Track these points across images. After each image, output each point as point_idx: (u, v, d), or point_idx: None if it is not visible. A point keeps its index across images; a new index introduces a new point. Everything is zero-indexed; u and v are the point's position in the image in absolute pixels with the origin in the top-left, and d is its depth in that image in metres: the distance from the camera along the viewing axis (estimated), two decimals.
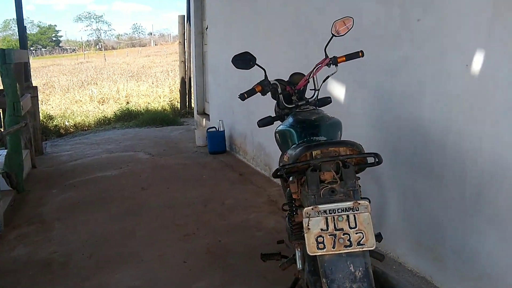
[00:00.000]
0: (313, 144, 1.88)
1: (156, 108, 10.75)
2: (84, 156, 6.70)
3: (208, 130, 6.45)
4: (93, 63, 32.65)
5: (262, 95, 2.71)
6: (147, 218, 4.06)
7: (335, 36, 2.72)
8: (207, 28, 7.47)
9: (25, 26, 7.66)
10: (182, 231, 3.74)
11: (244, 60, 2.61)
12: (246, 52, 2.62)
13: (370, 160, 1.90)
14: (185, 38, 10.21)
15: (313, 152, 1.87)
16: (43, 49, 70.35)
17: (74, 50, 68.67)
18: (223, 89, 6.65)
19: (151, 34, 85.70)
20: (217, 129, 6.42)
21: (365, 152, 1.89)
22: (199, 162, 5.94)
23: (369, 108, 3.23)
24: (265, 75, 2.67)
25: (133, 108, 10.64)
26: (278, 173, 1.93)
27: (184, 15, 10.02)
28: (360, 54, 2.70)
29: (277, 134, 2.62)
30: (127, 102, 11.43)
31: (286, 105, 2.71)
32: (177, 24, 10.27)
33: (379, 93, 3.11)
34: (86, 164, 6.20)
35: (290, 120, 2.54)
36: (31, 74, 7.76)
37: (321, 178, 1.81)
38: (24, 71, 6.63)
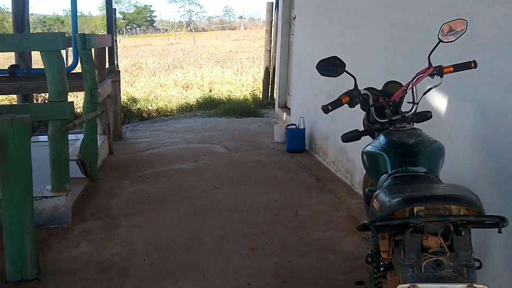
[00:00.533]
0: (415, 196, 1.43)
1: (238, 97, 10.54)
2: (162, 145, 6.60)
3: (288, 127, 6.08)
4: (183, 44, 33.29)
5: (349, 107, 2.30)
6: (214, 223, 3.80)
7: (442, 42, 2.24)
8: (294, 17, 7.06)
9: (114, 9, 7.69)
10: (249, 243, 3.42)
11: (331, 66, 2.22)
12: (334, 57, 2.22)
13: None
14: (272, 26, 9.87)
15: (414, 208, 1.43)
16: (138, 28, 73.25)
17: (166, 30, 70.80)
18: (306, 84, 6.23)
19: (241, 17, 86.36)
20: (297, 126, 6.03)
21: (486, 214, 1.41)
22: (275, 161, 5.60)
23: (474, 126, 2.70)
24: (355, 84, 2.26)
25: (215, 96, 10.51)
26: (367, 229, 1.52)
27: (272, 2, 9.66)
28: (473, 64, 2.22)
29: (364, 156, 2.20)
30: (210, 90, 11.34)
31: (377, 119, 2.28)
32: (265, 11, 9.94)
33: (488, 108, 2.57)
34: (162, 154, 6.08)
35: (382, 140, 2.11)
36: (122, 54, 7.80)
37: (423, 244, 1.37)
38: (109, 55, 6.63)
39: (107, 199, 4.44)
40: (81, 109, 5.19)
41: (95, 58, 5.75)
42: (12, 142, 2.82)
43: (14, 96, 8.50)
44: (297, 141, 5.97)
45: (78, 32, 4.75)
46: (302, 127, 5.98)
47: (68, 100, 3.78)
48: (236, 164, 5.55)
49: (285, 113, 7.41)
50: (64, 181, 3.89)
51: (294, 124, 6.10)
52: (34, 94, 6.52)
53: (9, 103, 9.46)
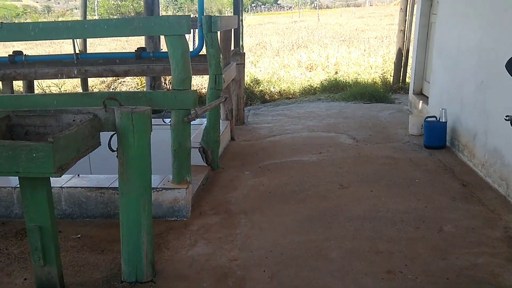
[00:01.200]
0: None
1: (366, 80, 9.85)
2: (284, 132, 6.26)
3: (427, 119, 5.37)
4: (306, 22, 32.72)
5: None
6: (341, 233, 3.35)
7: None
8: None
9: None
10: (385, 263, 2.93)
11: None
12: None
13: None
14: (408, 4, 8.98)
15: None
16: (262, 6, 73.84)
17: (290, 7, 70.47)
18: (450, 73, 5.45)
19: None
20: (438, 119, 5.30)
21: None
22: (411, 158, 4.96)
23: None
24: None
25: (341, 79, 9.92)
26: None
27: None
28: None
29: None
30: (336, 72, 10.76)
31: None
32: None
33: None
34: (284, 143, 5.74)
35: None
36: (246, 32, 7.56)
37: None
38: (234, 36, 6.40)
39: (227, 191, 4.20)
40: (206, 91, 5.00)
41: (221, 41, 5.53)
42: (132, 136, 2.62)
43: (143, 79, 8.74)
44: (438, 135, 5.25)
45: (205, 14, 4.51)
46: (443, 120, 5.25)
47: (192, 88, 3.55)
48: (365, 159, 5.02)
49: (421, 101, 6.65)
50: (185, 173, 3.70)
51: (434, 116, 5.37)
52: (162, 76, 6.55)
53: (139, 83, 9.81)
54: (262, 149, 5.51)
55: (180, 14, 3.33)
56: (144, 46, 4.75)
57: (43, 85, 9.92)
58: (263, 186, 4.30)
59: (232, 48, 6.03)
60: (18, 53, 4.83)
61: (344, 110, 7.60)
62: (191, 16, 4.15)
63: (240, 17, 6.88)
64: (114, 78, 9.67)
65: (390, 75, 9.78)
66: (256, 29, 26.98)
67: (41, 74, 5.89)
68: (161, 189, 3.63)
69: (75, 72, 5.81)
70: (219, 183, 4.43)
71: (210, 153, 4.66)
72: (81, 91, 8.85)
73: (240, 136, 6.08)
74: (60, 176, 2.30)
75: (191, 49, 4.24)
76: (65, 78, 5.92)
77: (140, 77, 8.41)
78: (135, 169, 2.67)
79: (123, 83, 9.82)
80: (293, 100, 8.92)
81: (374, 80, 9.84)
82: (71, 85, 10.25)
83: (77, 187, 3.68)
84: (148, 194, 2.75)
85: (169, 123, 3.62)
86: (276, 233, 3.39)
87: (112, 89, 10.23)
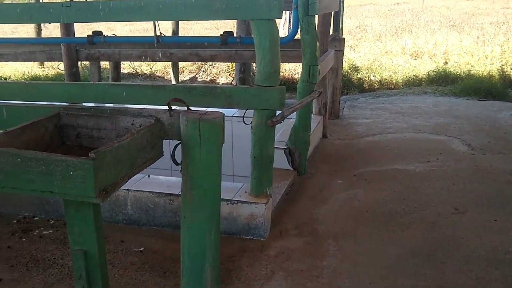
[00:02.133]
0: None
1: (480, 73, 8.63)
2: (384, 131, 5.48)
3: None
4: (410, 4, 30.61)
5: None
6: (458, 280, 2.61)
7: None
8: None
9: None
10: None
11: None
12: None
13: None
14: None
15: None
16: None
17: None
18: None
19: None
20: None
21: None
22: None
23: None
24: None
25: (451, 70, 8.78)
26: None
27: None
28: None
29: None
30: (446, 62, 9.59)
31: None
32: None
33: None
34: (384, 145, 4.97)
35: None
36: (346, 14, 6.78)
37: None
38: (334, 20, 5.67)
39: (314, 205, 3.58)
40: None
41: (319, 25, 4.85)
42: (198, 149, 2.08)
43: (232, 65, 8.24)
44: None
45: None
46: None
47: (279, 85, 2.93)
48: (484, 173, 4.14)
49: None
50: (265, 185, 3.12)
51: None
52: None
53: (230, 66, 9.35)
54: (359, 151, 4.79)
55: None
56: (230, 30, 4.21)
57: (134, 64, 9.81)
58: (358, 202, 3.62)
59: (331, 33, 5.31)
60: (97, 34, 4.51)
61: (455, 107, 6.60)
62: None
63: None
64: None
65: (511, 68, 8.50)
66: (356, 10, 25.62)
67: (125, 55, 5.59)
68: (236, 201, 3.09)
69: (160, 55, 5.43)
70: (306, 192, 3.81)
71: (297, 156, 4.05)
72: (171, 72, 8.60)
73: (334, 133, 5.39)
74: (102, 202, 1.81)
75: (283, 34, 3.63)
76: (149, 60, 5.56)
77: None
78: (201, 189, 2.13)
79: (213, 65, 9.43)
80: (395, 92, 8.00)
81: (491, 73, 8.59)
82: (162, 65, 10.05)
83: (144, 191, 3.25)
84: (216, 221, 2.21)
85: (250, 124, 3.05)
86: (373, 271, 2.72)
87: (203, 71, 9.90)
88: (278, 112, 2.99)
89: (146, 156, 2.08)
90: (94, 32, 4.58)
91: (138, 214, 3.29)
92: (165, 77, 9.78)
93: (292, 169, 4.06)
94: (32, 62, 9.23)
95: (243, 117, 3.01)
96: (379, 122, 5.86)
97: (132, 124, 2.21)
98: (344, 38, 5.91)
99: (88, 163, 1.73)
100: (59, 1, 3.07)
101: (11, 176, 1.84)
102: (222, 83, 9.21)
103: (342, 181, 4.02)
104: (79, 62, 5.98)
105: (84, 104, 2.35)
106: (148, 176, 3.46)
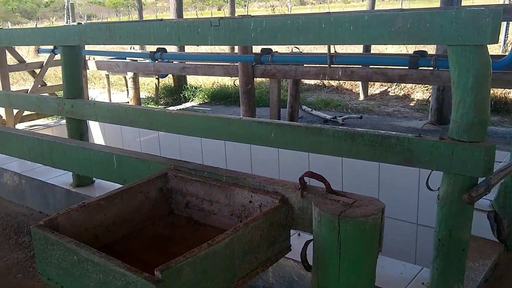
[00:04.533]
0: None
1: None
2: None
3: None
4: None
5: None
6: None
7: None
8: None
9: None
10: None
11: None
12: None
13: None
14: None
15: None
16: None
17: None
18: None
19: None
20: None
21: None
22: None
23: None
24: None
25: None
26: None
27: None
28: None
29: None
30: None
31: None
32: None
33: None
34: None
35: None
36: None
37: None
38: None
39: None
40: None
41: None
42: (335, 261, 1.31)
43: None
44: None
45: None
46: None
47: (477, 142, 1.96)
48: None
49: None
50: (451, 281, 2.16)
51: None
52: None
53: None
54: None
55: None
56: (424, 49, 3.29)
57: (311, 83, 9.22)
58: None
59: None
60: (267, 52, 3.99)
61: None
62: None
63: None
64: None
65: None
66: None
67: (301, 72, 5.02)
68: None
69: (340, 73, 4.71)
70: None
71: (506, 224, 2.93)
72: (360, 84, 7.80)
73: None
74: None
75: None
76: (327, 79, 4.90)
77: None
78: None
79: (403, 87, 8.26)
80: None
81: None
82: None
83: (289, 258, 2.57)
84: None
85: (437, 191, 2.14)
86: None
87: (396, 84, 8.82)
88: (481, 180, 2.02)
89: (260, 257, 1.39)
90: (262, 50, 4.09)
91: (280, 284, 2.63)
92: (353, 90, 9.00)
93: (497, 240, 2.96)
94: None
95: (427, 180, 2.13)
96: None
97: (250, 202, 1.55)
98: None
99: (151, 286, 1.11)
100: (207, 20, 2.59)
101: (68, 275, 1.33)
102: (417, 99, 8.06)
103: None
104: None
105: (199, 163, 1.82)
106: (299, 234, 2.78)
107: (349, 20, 2.13)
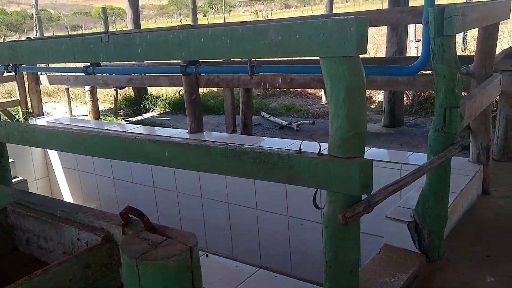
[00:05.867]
0: None
1: None
2: None
3: None
4: None
5: None
6: None
7: None
8: None
9: None
10: None
11: None
12: None
13: None
14: None
15: None
16: None
17: None
18: None
19: None
20: None
21: None
22: None
23: None
24: None
25: None
26: None
27: None
28: None
29: None
30: None
31: None
32: None
33: None
34: None
35: None
36: None
37: None
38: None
39: None
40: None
41: (478, 41, 3.51)
42: None
43: None
44: None
45: (435, 4, 2.65)
46: None
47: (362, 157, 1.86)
48: None
49: None
50: None
51: None
52: None
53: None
54: None
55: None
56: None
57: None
58: None
59: (498, 50, 3.86)
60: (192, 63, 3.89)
61: None
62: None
63: None
64: None
65: None
66: None
67: (243, 81, 4.91)
68: None
69: (279, 81, 4.61)
70: None
71: (426, 234, 2.84)
72: (323, 94, 7.73)
73: (503, 186, 3.91)
74: None
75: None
76: (268, 87, 4.81)
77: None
78: None
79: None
80: None
81: None
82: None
83: None
84: None
85: (322, 208, 2.03)
86: None
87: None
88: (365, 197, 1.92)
89: None
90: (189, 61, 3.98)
91: None
92: (317, 94, 8.92)
93: (418, 251, 2.86)
94: None
95: (314, 198, 2.03)
96: None
97: (78, 239, 1.43)
98: None
99: None
100: (98, 37, 2.47)
101: None
102: (379, 101, 7.98)
103: (495, 280, 2.68)
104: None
105: (43, 195, 1.69)
106: (207, 255, 2.67)
107: (225, 33, 2.03)
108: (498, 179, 4.02)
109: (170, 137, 2.52)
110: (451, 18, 2.42)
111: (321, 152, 1.95)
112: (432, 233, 2.84)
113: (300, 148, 1.99)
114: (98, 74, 5.86)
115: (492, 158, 4.49)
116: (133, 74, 5.55)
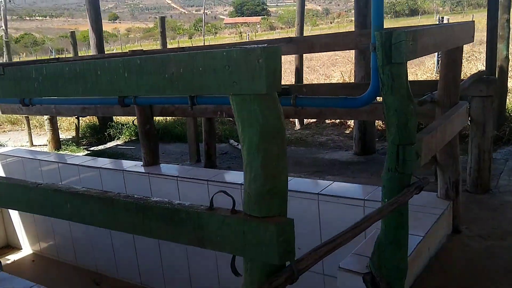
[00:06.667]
0: None
1: None
2: None
3: None
4: None
5: None
6: None
7: None
8: None
9: None
10: None
11: None
12: None
13: None
14: None
15: None
16: None
17: None
18: None
19: None
20: None
21: None
22: None
23: None
24: None
25: None
26: None
27: None
28: None
29: None
30: None
31: None
32: None
33: None
34: None
35: None
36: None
37: None
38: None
39: None
40: None
41: (442, 67, 3.22)
42: None
43: None
44: None
45: (383, 28, 2.34)
46: None
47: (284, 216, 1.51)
48: None
49: None
50: None
51: None
52: None
53: None
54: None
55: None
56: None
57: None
58: None
59: (479, 68, 3.57)
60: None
61: None
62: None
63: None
64: None
65: None
66: None
67: (199, 110, 4.58)
68: None
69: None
70: None
71: (384, 285, 2.48)
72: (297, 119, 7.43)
73: (474, 222, 3.58)
74: None
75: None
76: (225, 116, 4.49)
77: None
78: None
79: None
80: None
81: None
82: None
83: None
84: None
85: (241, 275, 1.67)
86: None
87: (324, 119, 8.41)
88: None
89: None
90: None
91: None
92: (290, 119, 8.61)
93: None
94: None
95: (232, 262, 1.67)
96: None
97: None
98: (495, 79, 4.06)
99: None
100: None
101: None
102: (353, 126, 7.68)
103: None
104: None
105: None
106: None
107: (122, 64, 1.69)
108: (472, 214, 3.71)
109: (74, 188, 2.13)
110: (400, 44, 2.11)
111: (235, 209, 1.60)
112: (392, 285, 2.49)
113: (211, 203, 1.64)
114: (51, 104, 5.51)
115: (466, 190, 4.20)
116: (86, 104, 5.20)
